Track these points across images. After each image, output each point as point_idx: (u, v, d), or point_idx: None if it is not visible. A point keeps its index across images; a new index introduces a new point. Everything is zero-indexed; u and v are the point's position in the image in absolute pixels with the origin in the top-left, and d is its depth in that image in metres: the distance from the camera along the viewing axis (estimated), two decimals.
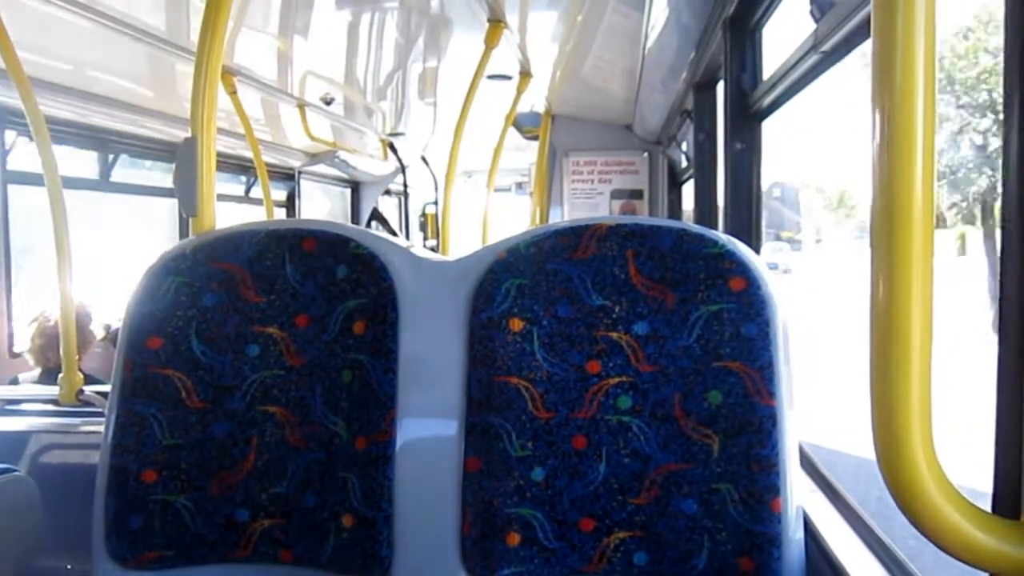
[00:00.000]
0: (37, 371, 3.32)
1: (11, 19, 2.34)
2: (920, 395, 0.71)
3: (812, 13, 1.60)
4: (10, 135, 3.46)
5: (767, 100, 2.17)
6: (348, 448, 1.45)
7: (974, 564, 0.73)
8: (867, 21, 0.92)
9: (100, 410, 2.43)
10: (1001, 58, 0.80)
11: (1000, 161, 0.80)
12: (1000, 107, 0.81)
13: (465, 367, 1.44)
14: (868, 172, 0.72)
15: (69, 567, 2.18)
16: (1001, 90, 0.81)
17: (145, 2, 2.68)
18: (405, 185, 7.02)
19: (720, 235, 1.43)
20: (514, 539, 1.39)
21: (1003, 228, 0.80)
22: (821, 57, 1.65)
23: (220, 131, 4.03)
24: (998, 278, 0.81)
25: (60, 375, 2.52)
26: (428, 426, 1.46)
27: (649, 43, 3.07)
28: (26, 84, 2.43)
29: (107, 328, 3.62)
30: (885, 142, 0.69)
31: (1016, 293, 0.78)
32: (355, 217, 7.32)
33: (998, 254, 0.81)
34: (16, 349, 3.55)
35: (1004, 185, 0.79)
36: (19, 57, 2.40)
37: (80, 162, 4.13)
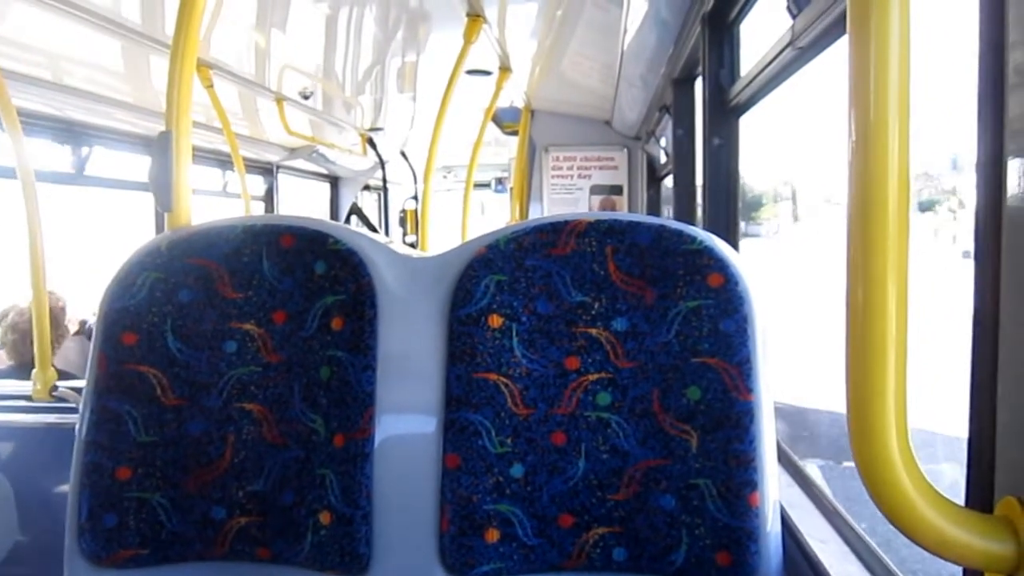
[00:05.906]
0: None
1: None
2: (896, 389, 0.71)
3: (789, 9, 1.60)
4: None
5: (745, 95, 2.17)
6: (326, 445, 1.44)
7: (946, 557, 0.73)
8: (843, 17, 0.93)
9: (74, 406, 2.41)
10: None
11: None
12: None
13: (444, 364, 1.44)
14: (844, 168, 0.72)
15: (41, 565, 2.16)
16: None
17: None
18: (385, 180, 6.99)
19: (699, 231, 1.43)
20: (493, 536, 1.39)
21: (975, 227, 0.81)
22: (798, 53, 1.66)
23: (197, 125, 3.99)
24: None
25: (33, 371, 2.49)
26: (406, 423, 1.45)
27: (628, 38, 3.07)
28: None
29: (82, 323, 3.58)
30: (861, 138, 0.70)
31: (988, 284, 0.79)
32: (334, 213, 7.28)
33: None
34: None
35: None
36: None
37: (53, 155, 4.06)
